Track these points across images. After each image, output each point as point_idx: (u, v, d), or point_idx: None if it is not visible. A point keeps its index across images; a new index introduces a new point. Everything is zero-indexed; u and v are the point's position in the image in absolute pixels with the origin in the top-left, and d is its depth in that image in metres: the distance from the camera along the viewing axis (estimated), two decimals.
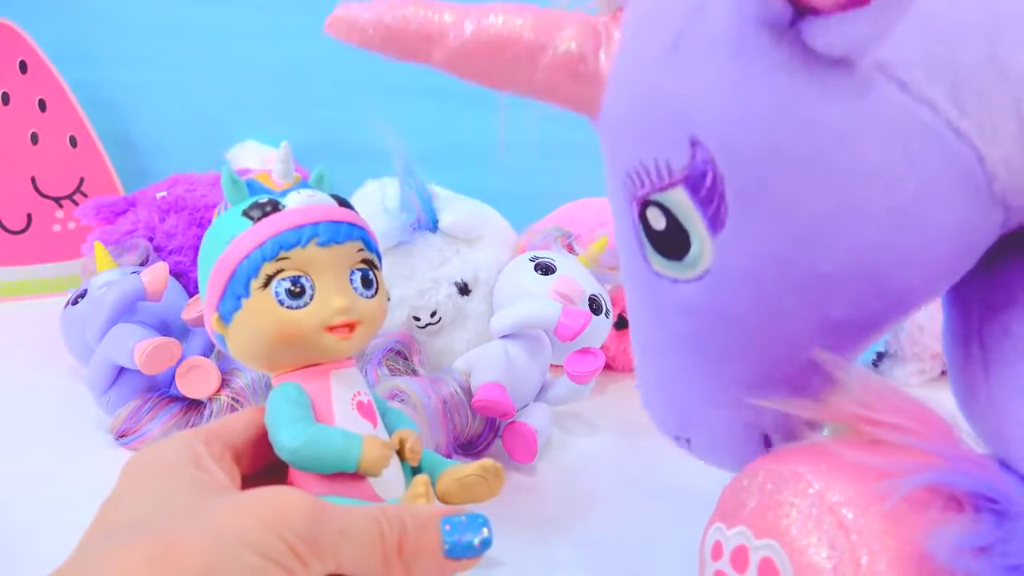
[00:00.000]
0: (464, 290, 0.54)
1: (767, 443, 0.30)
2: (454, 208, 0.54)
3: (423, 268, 0.52)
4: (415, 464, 0.32)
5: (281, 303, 0.30)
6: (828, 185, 0.23)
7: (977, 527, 0.24)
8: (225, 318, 0.30)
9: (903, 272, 0.25)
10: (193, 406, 0.49)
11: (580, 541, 0.40)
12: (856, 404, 0.27)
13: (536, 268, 0.53)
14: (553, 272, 0.53)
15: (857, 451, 0.26)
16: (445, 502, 0.31)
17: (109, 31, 0.76)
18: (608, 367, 0.60)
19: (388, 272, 0.52)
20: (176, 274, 0.60)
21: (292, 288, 0.30)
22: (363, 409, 0.31)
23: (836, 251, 0.24)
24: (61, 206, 0.73)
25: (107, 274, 0.54)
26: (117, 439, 0.48)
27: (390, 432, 0.32)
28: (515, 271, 0.54)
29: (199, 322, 0.50)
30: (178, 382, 0.48)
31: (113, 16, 0.76)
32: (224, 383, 0.49)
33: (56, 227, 0.74)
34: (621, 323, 0.59)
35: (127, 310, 0.50)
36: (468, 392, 0.45)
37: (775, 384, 0.28)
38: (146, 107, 0.78)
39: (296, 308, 0.30)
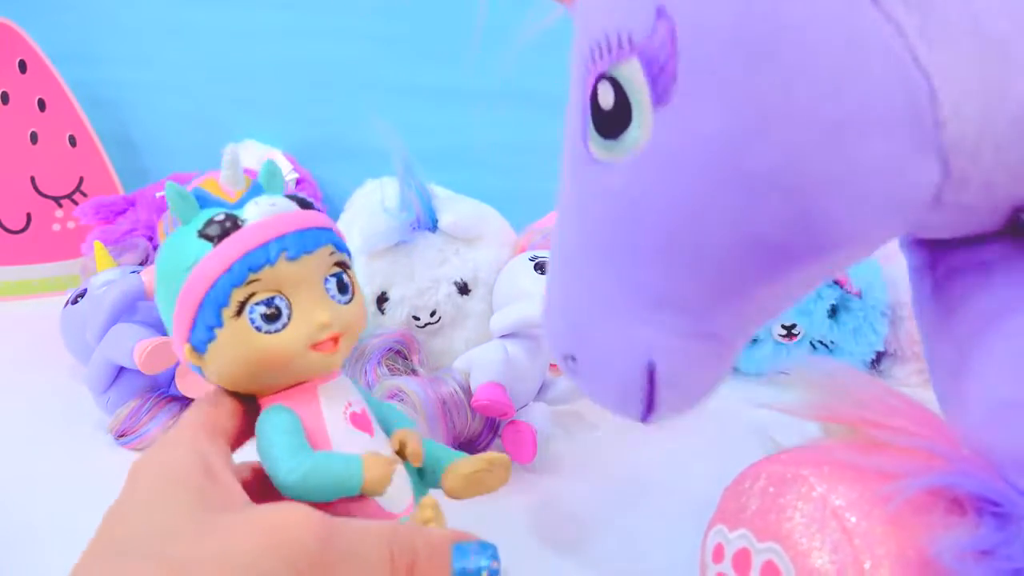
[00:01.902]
0: (464, 290, 0.54)
1: (651, 373, 0.28)
2: (454, 208, 0.54)
3: (423, 268, 0.52)
4: (418, 464, 0.31)
5: (258, 329, 0.27)
6: (779, 75, 0.23)
7: (980, 530, 0.24)
8: (199, 349, 0.28)
9: (828, 198, 0.24)
10: None
11: (580, 541, 0.40)
12: (857, 406, 0.27)
13: (536, 268, 0.53)
14: None
15: (859, 453, 0.26)
16: (452, 498, 0.31)
17: (108, 31, 0.76)
18: None
19: (388, 272, 0.53)
20: None
21: (267, 312, 0.28)
22: (357, 420, 0.30)
23: (769, 149, 0.23)
24: (61, 205, 0.73)
25: (107, 273, 0.54)
26: (116, 439, 0.48)
27: (388, 433, 0.31)
28: (515, 271, 0.54)
29: None
30: (178, 382, 0.48)
31: (112, 16, 0.76)
32: None
33: (56, 226, 0.74)
34: None
35: (127, 310, 0.50)
36: (468, 392, 0.45)
37: (678, 305, 0.27)
38: (146, 106, 0.78)
39: (275, 332, 0.28)
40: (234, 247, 0.27)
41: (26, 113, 0.71)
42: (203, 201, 0.29)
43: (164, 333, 0.50)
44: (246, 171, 0.69)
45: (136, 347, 0.46)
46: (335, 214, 0.68)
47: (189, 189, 0.30)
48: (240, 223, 0.28)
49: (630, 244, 0.27)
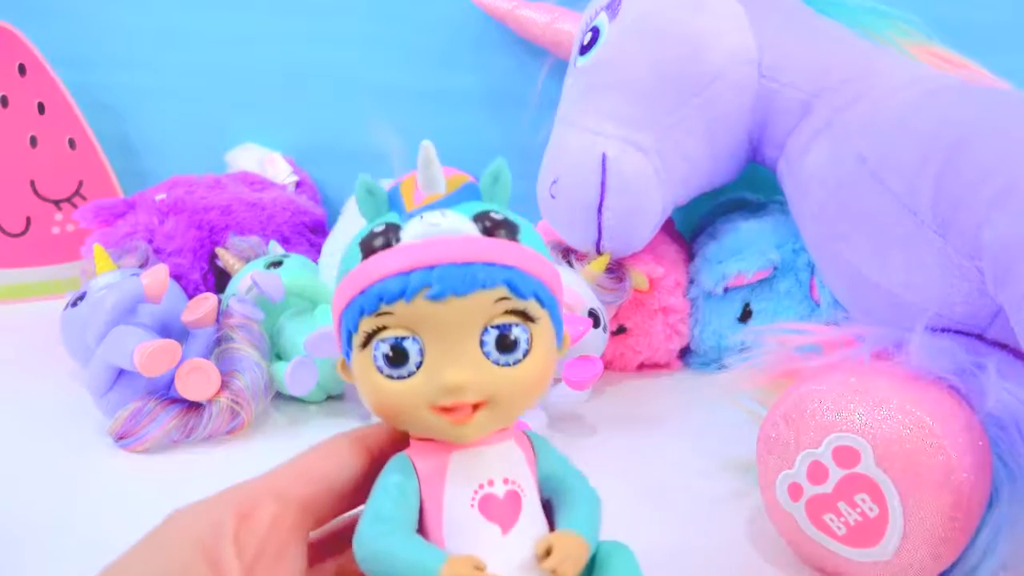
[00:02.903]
0: None
1: (603, 161, 0.51)
2: None
3: None
4: None
5: (380, 370, 0.23)
6: None
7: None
8: (350, 364, 0.25)
9: (689, 42, 0.52)
10: (193, 408, 0.49)
11: None
12: (779, 358, 0.40)
13: None
14: None
15: (811, 366, 0.38)
16: None
17: (108, 34, 0.76)
18: (606, 367, 0.60)
19: None
20: (176, 276, 0.60)
21: (391, 354, 0.23)
22: (491, 506, 0.24)
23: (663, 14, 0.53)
24: (60, 209, 0.73)
25: (106, 276, 0.54)
26: (116, 441, 0.48)
27: (556, 526, 0.25)
28: None
29: (199, 324, 0.50)
30: (178, 384, 0.48)
31: (112, 19, 0.76)
32: (224, 385, 0.49)
33: (55, 229, 0.74)
34: (620, 331, 0.60)
35: (127, 312, 0.50)
36: None
37: (619, 119, 0.52)
38: (145, 109, 0.78)
39: (396, 379, 0.23)
40: (376, 268, 0.23)
41: (25, 116, 0.71)
42: (392, 203, 0.25)
43: (164, 335, 0.50)
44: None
45: (136, 349, 0.46)
46: (334, 216, 0.68)
47: (388, 187, 0.26)
48: (397, 240, 0.23)
49: (593, 88, 0.54)
